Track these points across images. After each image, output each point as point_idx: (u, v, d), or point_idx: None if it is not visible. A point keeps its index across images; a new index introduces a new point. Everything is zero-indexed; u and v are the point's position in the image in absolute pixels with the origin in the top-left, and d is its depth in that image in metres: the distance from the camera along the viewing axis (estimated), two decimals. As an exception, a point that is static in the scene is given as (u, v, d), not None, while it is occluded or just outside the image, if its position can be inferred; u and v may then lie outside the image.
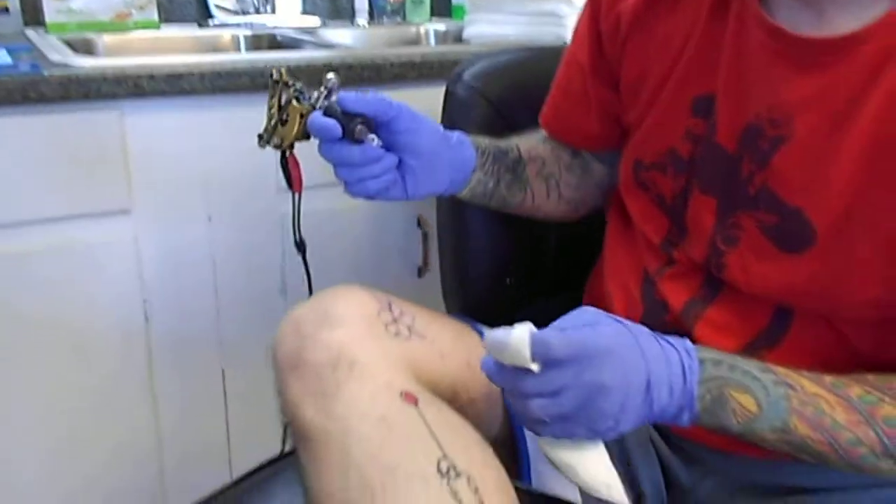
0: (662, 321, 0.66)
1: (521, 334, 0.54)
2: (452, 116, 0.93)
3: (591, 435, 0.57)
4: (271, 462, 0.68)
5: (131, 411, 1.10)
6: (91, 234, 1.00)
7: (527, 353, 0.53)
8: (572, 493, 0.69)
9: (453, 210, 0.95)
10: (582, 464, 0.59)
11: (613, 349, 0.55)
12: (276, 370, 0.58)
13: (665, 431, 0.78)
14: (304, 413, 0.54)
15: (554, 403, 0.54)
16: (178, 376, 1.12)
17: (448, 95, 0.95)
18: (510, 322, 0.74)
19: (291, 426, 0.56)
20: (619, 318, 0.58)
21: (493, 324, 0.75)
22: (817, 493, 0.70)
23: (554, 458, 0.59)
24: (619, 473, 0.61)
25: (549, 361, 0.54)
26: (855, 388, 0.59)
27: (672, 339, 0.59)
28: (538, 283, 1.02)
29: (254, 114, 1.04)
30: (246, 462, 0.73)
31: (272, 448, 1.24)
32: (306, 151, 0.70)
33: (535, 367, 0.54)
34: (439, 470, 0.52)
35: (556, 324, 0.57)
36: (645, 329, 0.59)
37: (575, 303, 0.88)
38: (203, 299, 1.11)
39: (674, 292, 0.73)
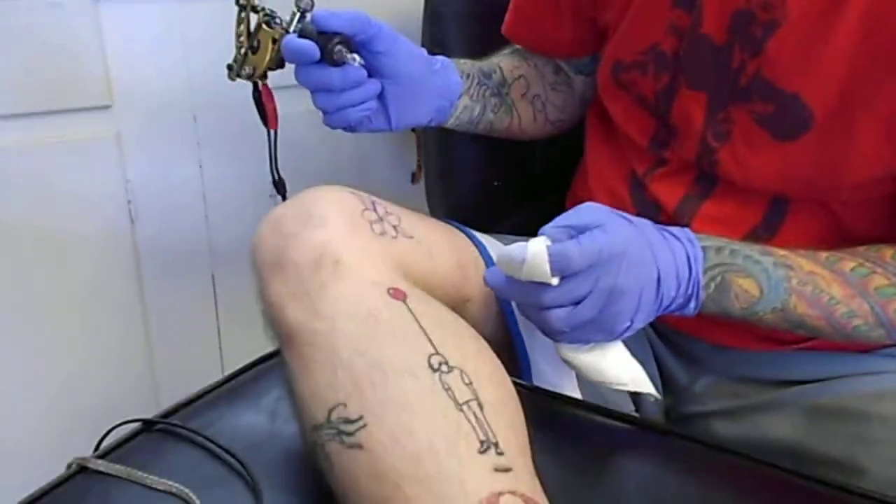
0: (657, 222, 0.63)
1: (538, 249, 0.52)
2: (437, 8, 0.88)
3: (609, 336, 0.57)
4: (264, 359, 0.66)
5: (119, 314, 1.07)
6: (70, 131, 0.96)
7: (546, 267, 0.52)
8: (570, 389, 0.68)
9: None
10: (606, 364, 0.59)
11: (627, 251, 0.54)
12: (256, 271, 0.55)
13: (661, 330, 0.78)
14: (288, 314, 0.52)
15: (573, 313, 0.54)
16: (166, 279, 1.09)
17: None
18: (493, 227, 0.72)
19: (274, 328, 0.53)
20: (621, 212, 0.57)
21: (480, 228, 0.73)
22: (815, 383, 0.71)
23: (576, 362, 0.59)
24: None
25: (569, 270, 0.53)
26: (848, 262, 0.61)
27: (674, 229, 0.59)
28: (525, 186, 0.99)
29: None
30: (238, 364, 0.70)
31: (264, 350, 1.25)
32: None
33: (554, 280, 0.53)
34: (430, 365, 0.49)
35: (560, 222, 0.55)
36: (648, 222, 0.59)
37: (560, 207, 0.86)
38: (190, 202, 1.07)
39: (666, 192, 0.72)
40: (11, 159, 0.94)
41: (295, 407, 0.52)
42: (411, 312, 0.52)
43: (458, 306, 0.64)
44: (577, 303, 0.54)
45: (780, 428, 0.70)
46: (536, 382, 0.67)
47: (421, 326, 0.51)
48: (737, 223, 0.68)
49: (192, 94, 1.01)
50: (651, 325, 0.74)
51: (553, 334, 0.57)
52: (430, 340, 0.51)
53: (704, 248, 0.59)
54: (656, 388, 0.71)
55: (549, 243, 0.53)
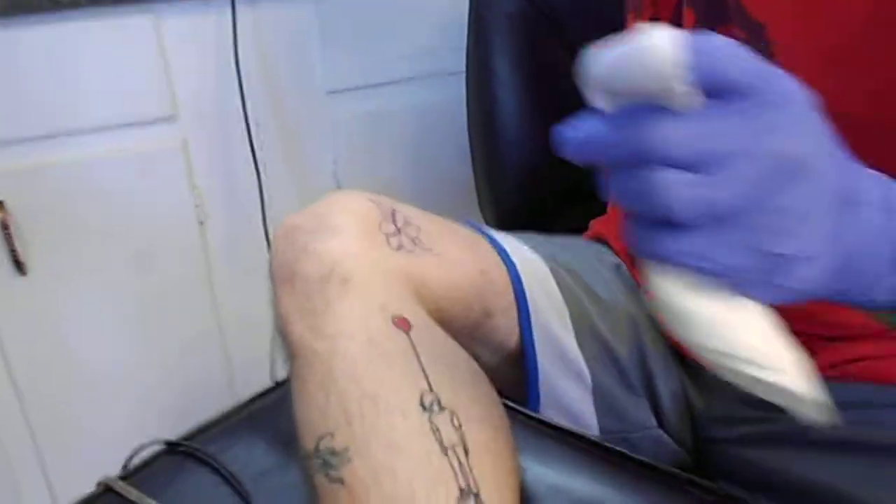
0: None
1: (665, 37, 0.29)
2: (480, 11, 0.85)
3: (755, 262, 0.31)
4: (283, 383, 0.68)
5: (193, 310, 1.13)
6: (140, 142, 1.01)
7: (671, 54, 0.29)
8: (583, 412, 0.66)
9: (482, 101, 0.88)
10: (737, 320, 0.33)
11: (810, 108, 0.33)
12: (271, 283, 0.54)
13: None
14: (294, 329, 0.51)
15: (711, 181, 0.30)
16: (234, 278, 1.14)
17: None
18: (545, 228, 0.68)
19: (283, 342, 0.53)
20: None
21: (532, 229, 0.70)
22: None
23: (678, 305, 0.33)
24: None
25: (716, 87, 0.30)
26: None
27: None
28: (577, 186, 0.96)
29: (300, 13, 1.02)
30: None
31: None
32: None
33: (681, 88, 0.29)
34: (422, 403, 0.48)
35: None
36: None
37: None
38: (253, 204, 1.11)
39: None
40: (90, 171, 1.00)
41: (294, 430, 0.52)
42: (413, 346, 0.50)
43: (481, 321, 0.62)
44: (723, 159, 0.30)
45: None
46: (544, 405, 0.65)
47: (420, 362, 0.50)
48: None
49: (251, 103, 1.04)
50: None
51: (658, 234, 0.32)
52: (426, 377, 0.49)
53: None
54: (677, 408, 0.68)
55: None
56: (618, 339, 0.69)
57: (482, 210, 0.98)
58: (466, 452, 0.47)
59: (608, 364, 0.68)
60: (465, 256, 0.62)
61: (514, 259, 0.66)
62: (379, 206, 0.56)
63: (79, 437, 1.10)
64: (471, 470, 0.47)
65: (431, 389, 0.49)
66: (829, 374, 0.63)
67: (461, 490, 0.46)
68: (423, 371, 0.50)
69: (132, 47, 0.95)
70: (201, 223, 1.08)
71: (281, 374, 0.73)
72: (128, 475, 0.60)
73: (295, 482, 0.57)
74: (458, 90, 1.14)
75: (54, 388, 1.07)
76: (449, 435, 0.48)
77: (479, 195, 0.99)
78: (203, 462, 0.60)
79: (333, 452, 0.47)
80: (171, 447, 0.62)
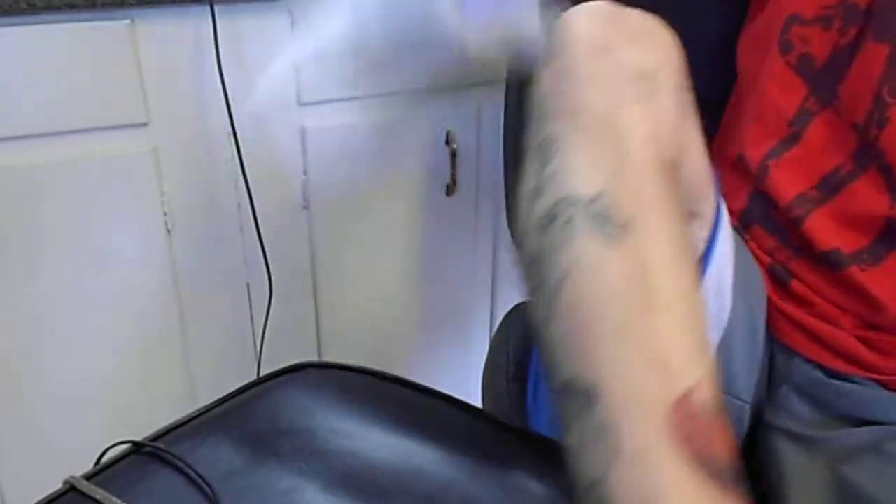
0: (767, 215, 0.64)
1: None
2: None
3: None
4: (251, 385, 0.68)
5: (157, 321, 1.12)
6: (109, 148, 1.00)
7: None
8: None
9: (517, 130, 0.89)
10: None
11: None
12: (562, 44, 0.50)
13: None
14: (585, 93, 0.48)
15: None
16: (202, 289, 1.14)
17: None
18: None
19: (556, 95, 0.49)
20: None
21: None
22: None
23: None
24: None
25: None
26: None
27: None
28: None
29: (277, 21, 1.03)
30: (275, 365, 0.72)
31: (307, 354, 1.28)
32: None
33: None
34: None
35: None
36: None
37: None
38: (225, 214, 1.11)
39: (789, 181, 0.70)
40: (54, 175, 0.99)
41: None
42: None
43: (687, 217, 0.60)
44: None
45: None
46: None
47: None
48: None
49: (227, 111, 1.04)
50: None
51: None
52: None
53: None
54: (749, 386, 0.70)
55: None
56: (756, 301, 0.71)
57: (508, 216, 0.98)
58: None
59: (745, 318, 0.69)
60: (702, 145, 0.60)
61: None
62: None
63: (42, 440, 1.09)
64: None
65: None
66: None
67: None
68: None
69: (106, 51, 0.95)
70: (169, 231, 1.08)
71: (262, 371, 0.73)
72: (93, 475, 0.59)
73: (262, 483, 0.58)
74: (430, 105, 1.16)
75: (17, 390, 1.06)
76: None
77: (507, 203, 1.00)
78: (169, 463, 0.60)
79: (613, 221, 0.45)
80: (138, 448, 0.62)
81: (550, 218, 0.47)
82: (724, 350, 0.68)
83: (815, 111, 0.70)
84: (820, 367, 0.70)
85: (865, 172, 0.67)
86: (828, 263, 0.69)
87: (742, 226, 0.76)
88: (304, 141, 1.13)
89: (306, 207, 1.17)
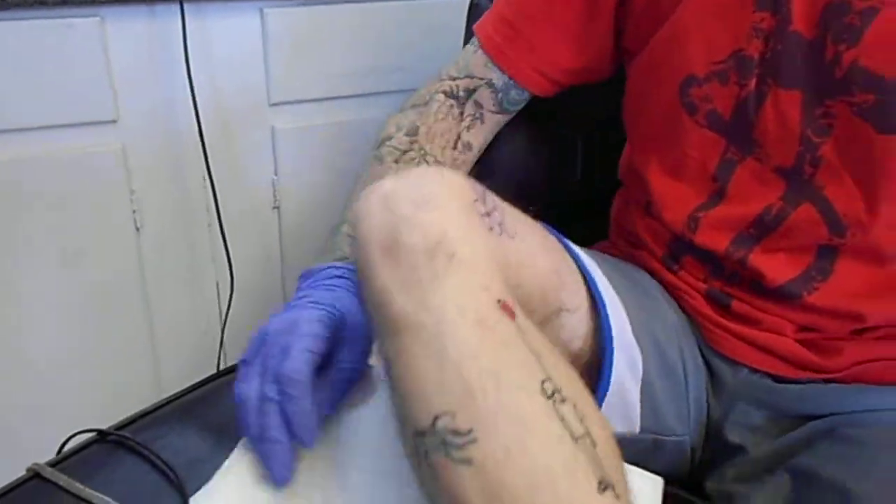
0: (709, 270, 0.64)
1: None
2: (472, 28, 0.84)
3: None
4: (214, 377, 0.69)
5: (124, 319, 1.13)
6: (78, 144, 1.01)
7: None
8: (634, 403, 0.67)
9: None
10: None
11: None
12: (361, 250, 0.50)
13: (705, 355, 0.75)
14: (396, 300, 0.47)
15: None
16: (171, 286, 1.14)
17: (473, 8, 0.89)
18: None
19: (378, 316, 0.49)
20: None
21: None
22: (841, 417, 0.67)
23: None
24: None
25: None
26: None
27: None
28: (563, 210, 0.97)
29: (248, 21, 1.04)
30: (239, 349, 0.71)
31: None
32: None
33: None
34: (543, 389, 0.44)
35: None
36: None
37: (599, 231, 0.86)
38: (195, 212, 1.11)
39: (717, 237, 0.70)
40: (23, 170, 0.99)
41: (395, 404, 0.48)
42: (520, 333, 0.47)
43: (551, 315, 0.61)
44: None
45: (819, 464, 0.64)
46: (612, 402, 0.65)
47: (531, 349, 0.47)
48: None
49: (194, 111, 1.05)
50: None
51: None
52: (541, 366, 0.46)
53: None
54: (700, 406, 0.72)
55: None
56: (665, 339, 0.71)
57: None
58: (594, 445, 0.44)
59: (657, 359, 0.69)
60: (542, 249, 0.60)
61: (579, 253, 0.67)
62: (471, 184, 0.53)
63: (8, 430, 1.08)
64: (602, 463, 0.44)
65: (549, 378, 0.45)
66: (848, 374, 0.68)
67: (599, 481, 0.43)
68: (538, 359, 0.46)
69: (76, 49, 0.95)
70: (138, 229, 1.08)
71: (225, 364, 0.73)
72: (57, 462, 0.60)
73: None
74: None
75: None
76: (576, 425, 0.44)
77: None
78: (134, 450, 0.61)
79: (456, 432, 0.43)
80: (103, 436, 0.62)
81: (413, 453, 0.46)
82: (648, 394, 0.68)
83: (737, 160, 0.70)
84: (768, 374, 0.71)
85: (797, 209, 0.67)
86: (780, 296, 0.70)
87: (670, 258, 0.77)
88: (275, 141, 1.14)
89: (276, 207, 1.18)
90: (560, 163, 0.95)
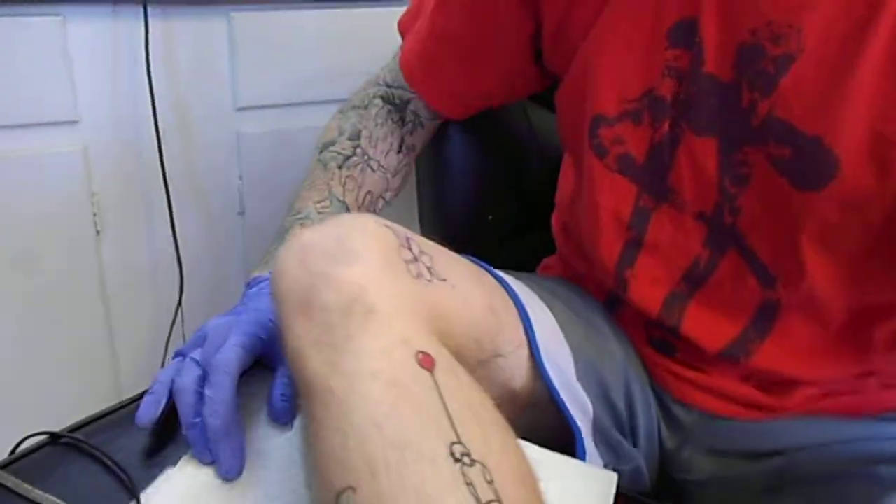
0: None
1: None
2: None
3: None
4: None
5: (83, 323, 1.11)
6: (37, 145, 0.99)
7: None
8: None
9: (432, 145, 0.89)
10: None
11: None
12: (277, 308, 0.48)
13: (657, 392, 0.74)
14: (308, 364, 0.45)
15: None
16: (127, 287, 1.12)
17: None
18: (488, 260, 0.67)
19: (294, 375, 0.48)
20: None
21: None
22: (791, 453, 0.67)
23: None
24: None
25: None
26: None
27: None
28: (521, 218, 0.97)
29: (214, 25, 1.03)
30: None
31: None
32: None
33: None
34: (452, 454, 0.43)
35: None
36: None
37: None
38: (156, 216, 1.10)
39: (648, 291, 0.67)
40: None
41: (306, 470, 0.47)
42: (437, 388, 0.45)
43: (489, 359, 0.59)
44: None
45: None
46: (589, 456, 0.64)
47: (446, 407, 0.45)
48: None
49: (158, 111, 1.04)
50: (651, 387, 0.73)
51: None
52: (453, 426, 0.44)
53: None
54: (652, 448, 0.72)
55: None
56: (611, 375, 0.69)
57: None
58: None
59: (603, 399, 0.68)
60: (476, 290, 0.58)
61: (518, 293, 0.65)
62: (395, 232, 0.52)
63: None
64: None
65: (460, 440, 0.44)
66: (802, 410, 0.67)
67: None
68: (450, 419, 0.45)
69: (36, 47, 0.94)
70: (98, 232, 1.07)
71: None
72: (7, 464, 0.59)
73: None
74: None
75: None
76: (483, 490, 0.43)
77: (421, 226, 1.00)
78: (87, 452, 0.59)
79: None
80: (55, 438, 0.61)
81: None
82: (601, 432, 0.67)
83: (651, 207, 0.65)
84: (717, 415, 0.69)
85: (724, 256, 0.63)
86: (718, 361, 0.67)
87: (609, 305, 0.75)
88: (240, 146, 1.13)
89: (242, 213, 1.17)
90: (517, 167, 0.95)
